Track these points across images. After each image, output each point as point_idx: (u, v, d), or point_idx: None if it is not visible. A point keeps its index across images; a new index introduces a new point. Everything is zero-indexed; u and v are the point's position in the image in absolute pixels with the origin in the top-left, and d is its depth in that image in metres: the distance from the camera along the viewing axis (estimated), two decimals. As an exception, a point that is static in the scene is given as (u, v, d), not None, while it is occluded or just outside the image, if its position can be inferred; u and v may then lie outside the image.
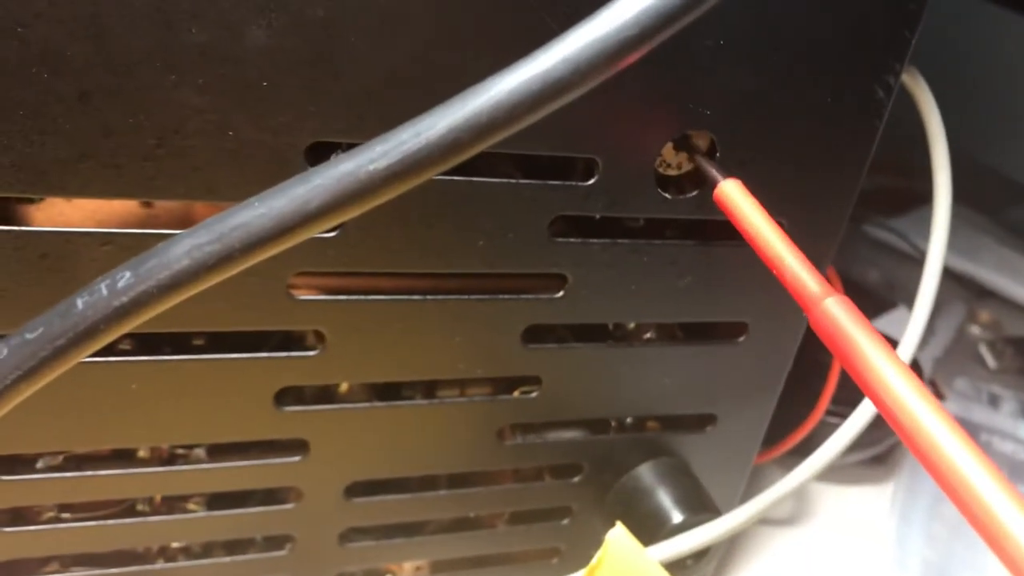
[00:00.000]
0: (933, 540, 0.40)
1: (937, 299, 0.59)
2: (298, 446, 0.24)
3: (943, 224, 0.30)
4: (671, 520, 0.28)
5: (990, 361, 0.54)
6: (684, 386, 0.28)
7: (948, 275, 0.62)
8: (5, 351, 0.13)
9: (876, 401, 0.17)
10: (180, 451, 0.24)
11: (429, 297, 0.23)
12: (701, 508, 0.28)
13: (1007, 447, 0.46)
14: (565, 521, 0.29)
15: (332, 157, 0.14)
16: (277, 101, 0.19)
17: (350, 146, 0.21)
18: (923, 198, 0.71)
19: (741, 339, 0.27)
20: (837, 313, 0.19)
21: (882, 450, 0.44)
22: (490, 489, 0.28)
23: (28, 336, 0.13)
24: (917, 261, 0.63)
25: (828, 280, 0.36)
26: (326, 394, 0.24)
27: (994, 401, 0.50)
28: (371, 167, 0.14)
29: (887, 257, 0.62)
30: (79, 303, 0.14)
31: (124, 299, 0.14)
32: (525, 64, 0.14)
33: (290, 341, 0.23)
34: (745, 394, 0.29)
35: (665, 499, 0.28)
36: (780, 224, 0.26)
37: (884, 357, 0.17)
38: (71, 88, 0.18)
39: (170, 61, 0.18)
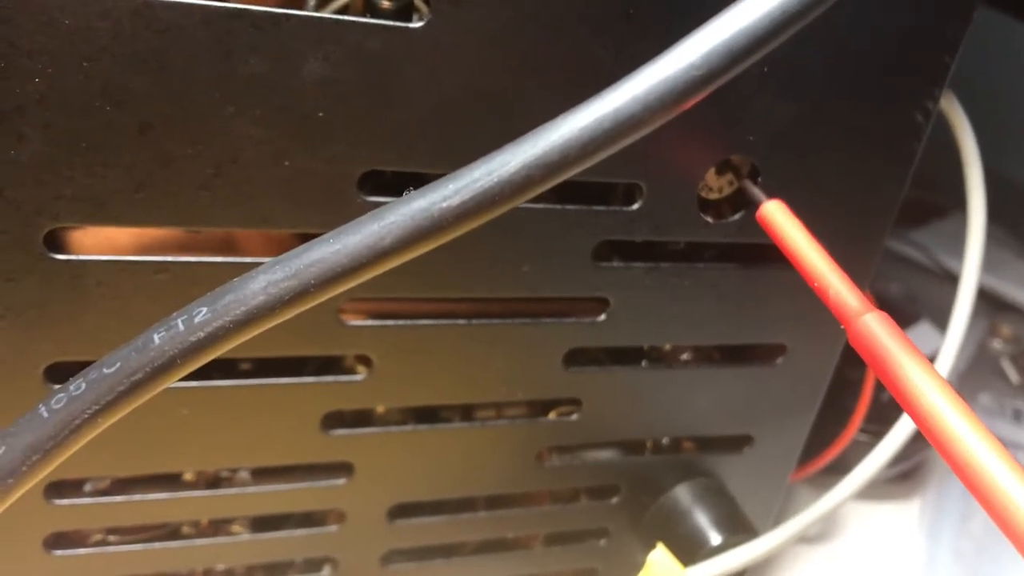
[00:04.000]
0: (961, 557, 0.40)
1: (949, 312, 0.59)
2: (343, 468, 0.24)
3: (977, 246, 0.30)
4: (709, 542, 0.28)
5: (1013, 376, 0.54)
6: (722, 407, 0.28)
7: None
8: (83, 386, 0.14)
9: (914, 416, 0.17)
10: (225, 474, 0.24)
11: (474, 321, 0.23)
12: (739, 529, 0.28)
13: (1033, 463, 0.46)
14: (602, 542, 0.29)
15: (404, 193, 0.14)
16: (332, 131, 0.20)
17: (402, 175, 0.21)
18: (943, 210, 0.71)
19: (779, 361, 0.27)
20: (876, 328, 0.19)
21: (909, 467, 0.44)
22: (528, 510, 0.28)
23: (106, 371, 0.14)
24: (938, 275, 0.63)
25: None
26: (370, 416, 0.24)
27: (1018, 416, 0.50)
28: (444, 204, 0.14)
29: (908, 271, 0.62)
30: (156, 338, 0.14)
31: (200, 334, 0.14)
32: (596, 102, 0.14)
33: (330, 364, 0.23)
34: (782, 415, 0.29)
35: (703, 520, 0.28)
36: (820, 241, 0.26)
37: (923, 372, 0.17)
38: (132, 120, 0.18)
39: (229, 92, 0.19)
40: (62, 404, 0.13)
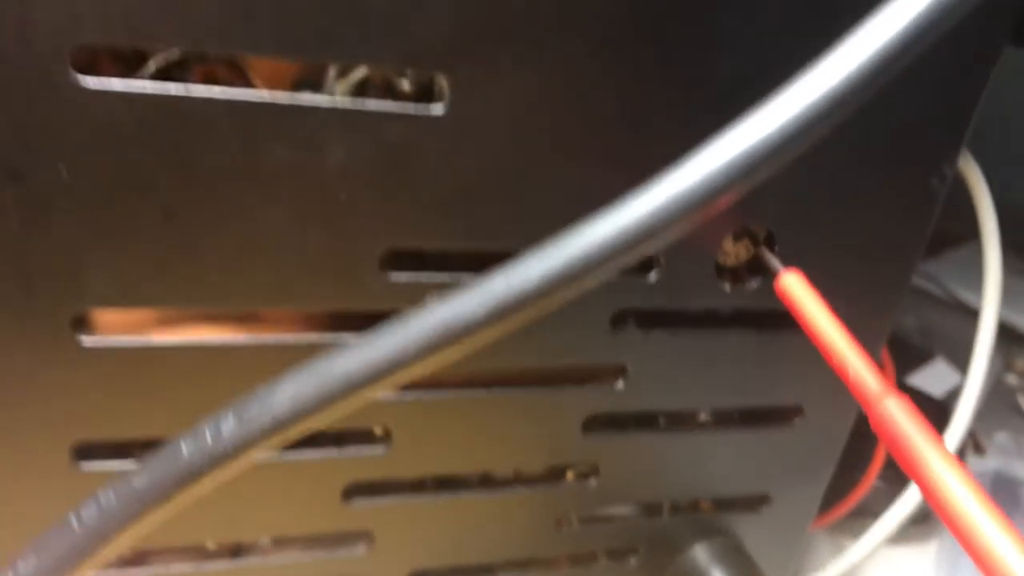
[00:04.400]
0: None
1: (967, 346, 0.59)
2: (364, 537, 0.25)
3: (993, 305, 0.30)
4: (727, 602, 0.28)
5: (1030, 412, 0.54)
6: (739, 468, 0.28)
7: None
8: (113, 500, 0.14)
9: (934, 504, 0.17)
10: (247, 543, 0.25)
11: (492, 390, 0.24)
12: (757, 589, 0.28)
13: (1050, 504, 0.46)
14: (621, 602, 0.30)
15: (425, 301, 0.14)
16: (354, 213, 0.20)
17: (422, 253, 0.21)
18: (958, 239, 0.71)
19: (796, 422, 0.27)
20: (897, 414, 0.19)
21: (927, 510, 0.44)
22: (547, 573, 0.28)
23: (136, 485, 0.14)
24: (953, 307, 0.63)
25: (881, 366, 0.36)
26: (391, 485, 0.24)
27: (1036, 455, 0.49)
28: (467, 314, 0.14)
29: (923, 303, 0.62)
30: (184, 450, 0.14)
31: (228, 446, 0.14)
32: (615, 212, 0.14)
33: (350, 434, 0.24)
34: (799, 474, 0.29)
35: (721, 580, 0.28)
36: (837, 308, 0.26)
37: (943, 463, 0.17)
38: (157, 207, 0.18)
39: (252, 179, 0.19)
40: (92, 518, 0.14)
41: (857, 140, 0.23)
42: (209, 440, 0.14)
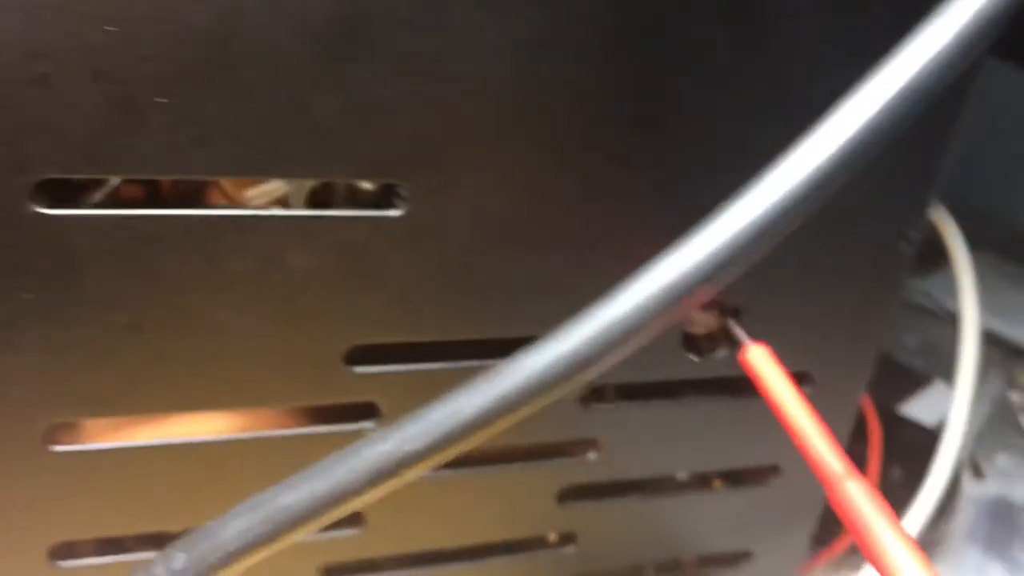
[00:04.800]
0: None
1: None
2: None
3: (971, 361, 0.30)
4: (711, 661, 0.28)
5: (1032, 432, 0.53)
6: (719, 526, 0.28)
7: (987, 339, 0.61)
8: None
9: None
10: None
11: (467, 470, 0.24)
12: (741, 647, 0.28)
13: (1051, 530, 0.46)
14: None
15: (366, 436, 0.15)
16: (318, 314, 0.20)
17: (388, 346, 0.22)
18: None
19: (773, 481, 0.28)
20: (857, 497, 0.19)
21: (924, 539, 0.44)
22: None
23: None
24: (954, 325, 0.63)
25: (864, 409, 0.36)
26: (368, 564, 0.25)
27: (1037, 477, 0.49)
28: (407, 448, 0.14)
29: (924, 321, 0.62)
30: (138, 586, 0.15)
31: (180, 581, 0.15)
32: (551, 343, 0.15)
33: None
34: (780, 530, 0.29)
35: (705, 638, 0.29)
36: (808, 375, 0.26)
37: (901, 548, 0.18)
38: (123, 322, 0.19)
39: (215, 290, 0.19)
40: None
41: (823, 212, 0.23)
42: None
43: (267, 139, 0.18)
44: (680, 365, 0.25)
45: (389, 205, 0.20)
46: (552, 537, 0.27)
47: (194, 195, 0.21)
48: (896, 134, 0.14)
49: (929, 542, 0.44)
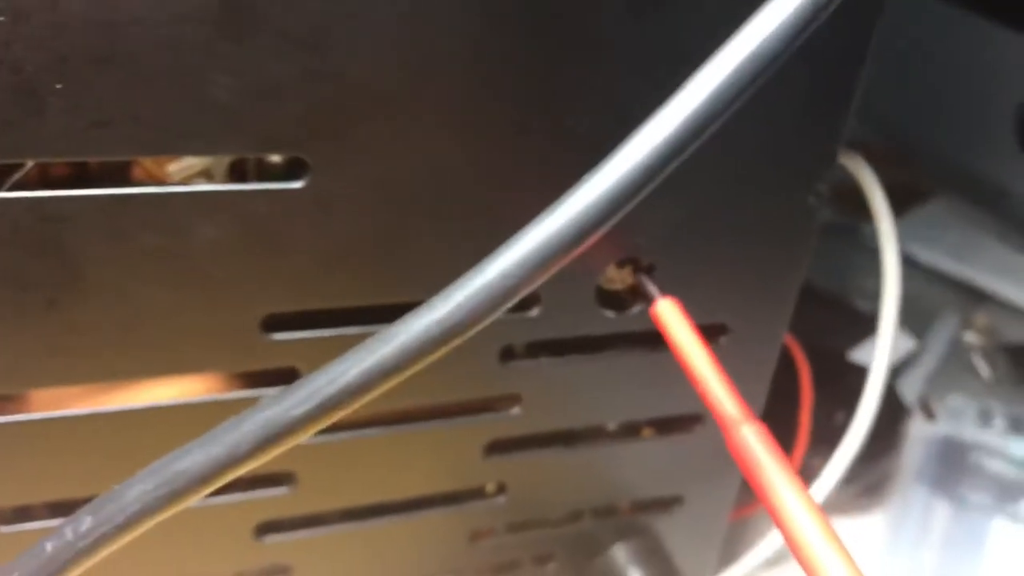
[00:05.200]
0: (920, 567, 0.42)
1: (930, 309, 0.60)
2: (282, 570, 0.26)
3: (893, 300, 0.31)
4: (642, 600, 0.29)
5: (984, 372, 0.55)
6: (650, 474, 0.30)
7: (943, 281, 0.62)
8: (-15, 596, 0.15)
9: (781, 529, 0.18)
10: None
11: (392, 428, 0.25)
12: (670, 586, 0.30)
13: (996, 466, 0.47)
14: (546, 604, 0.31)
15: (259, 401, 0.16)
16: (229, 285, 0.21)
17: (302, 314, 0.22)
18: (924, 195, 0.71)
19: (697, 429, 0.29)
20: (751, 441, 0.20)
21: (875, 479, 0.45)
22: (470, 583, 0.30)
23: (4, 582, 0.15)
24: (908, 268, 0.64)
25: (789, 346, 0.38)
26: (301, 520, 0.26)
27: (985, 417, 0.50)
28: (292, 412, 0.15)
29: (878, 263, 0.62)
30: (48, 547, 0.15)
31: (86, 541, 0.16)
32: (426, 311, 0.15)
33: (267, 477, 0.25)
34: (709, 475, 0.30)
35: (636, 579, 0.30)
36: (723, 325, 0.27)
37: (791, 490, 0.19)
38: (39, 299, 0.20)
39: (126, 265, 0.20)
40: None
41: (727, 171, 0.24)
42: (70, 537, 0.16)
43: (165, 119, 0.19)
44: (598, 321, 0.25)
45: (295, 177, 0.20)
46: (490, 488, 0.28)
47: (119, 172, 0.22)
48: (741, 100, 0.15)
49: (876, 482, 0.45)
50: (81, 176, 0.21)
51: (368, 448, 0.25)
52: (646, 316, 0.26)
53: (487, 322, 0.15)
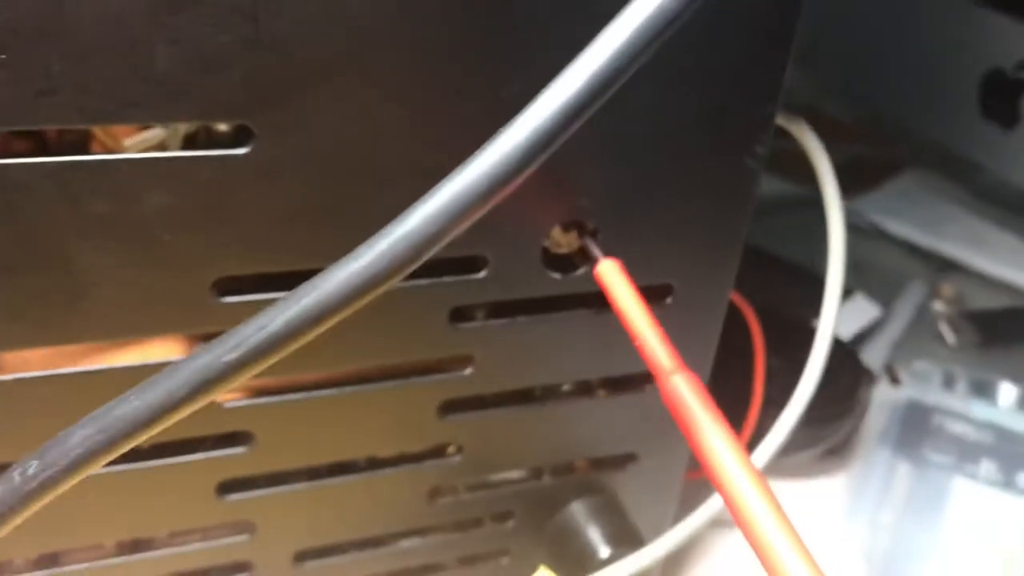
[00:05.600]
0: (880, 529, 0.43)
1: (897, 278, 0.61)
2: (245, 526, 0.27)
3: (838, 264, 0.32)
4: (598, 555, 0.30)
5: (949, 338, 0.56)
6: (602, 432, 0.31)
7: (911, 251, 0.63)
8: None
9: (710, 476, 0.19)
10: (143, 538, 0.27)
11: (347, 389, 0.26)
12: (627, 541, 0.31)
13: (958, 428, 0.48)
14: (505, 560, 0.32)
15: (193, 349, 0.17)
16: (179, 250, 0.22)
17: (253, 277, 0.23)
18: (895, 168, 0.72)
19: (648, 387, 0.30)
20: (682, 390, 0.21)
21: (836, 442, 0.46)
22: (428, 540, 0.30)
23: (-45, 523, 0.16)
24: (878, 240, 0.65)
25: (739, 306, 0.38)
26: (262, 478, 0.27)
27: (949, 381, 0.51)
28: (224, 359, 0.16)
29: (849, 237, 0.63)
30: (-3, 490, 0.16)
31: (34, 484, 0.16)
32: (349, 261, 0.16)
33: (226, 438, 0.26)
34: (662, 432, 0.31)
35: (594, 535, 0.31)
36: (668, 286, 0.28)
37: (720, 437, 0.20)
38: (-4, 264, 0.21)
39: (79, 231, 0.21)
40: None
41: (665, 134, 0.25)
42: (17, 480, 0.17)
43: (111, 88, 0.19)
44: (545, 283, 0.26)
45: (242, 144, 0.21)
46: (447, 447, 0.29)
47: (77, 147, 0.23)
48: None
49: (838, 446, 0.47)
50: (40, 151, 0.22)
51: (324, 408, 0.26)
52: (591, 281, 0.27)
53: (407, 271, 0.16)
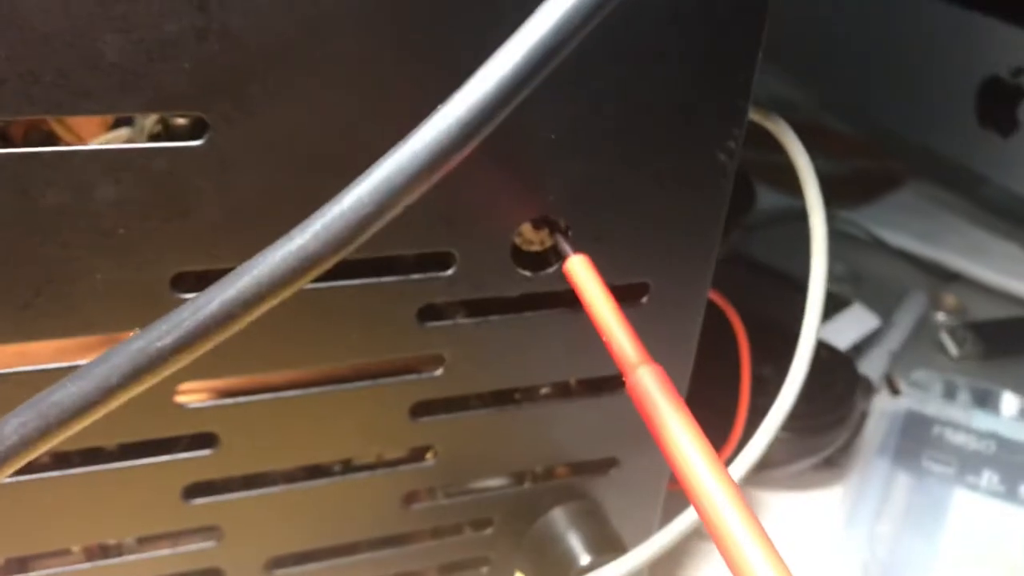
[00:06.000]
0: (877, 540, 0.42)
1: (898, 289, 0.60)
2: (212, 531, 0.27)
3: (820, 268, 0.32)
4: (578, 562, 0.30)
5: (951, 349, 0.55)
6: (580, 436, 0.30)
7: (912, 262, 0.63)
8: None
9: (672, 467, 0.19)
10: (112, 544, 0.27)
11: (315, 390, 0.26)
12: (607, 548, 0.30)
13: (959, 438, 0.47)
14: (485, 569, 0.32)
15: (130, 335, 0.16)
16: (135, 244, 0.22)
17: (215, 274, 0.23)
18: (897, 180, 0.72)
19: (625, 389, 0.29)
20: (647, 382, 0.21)
21: (834, 452, 0.46)
22: (406, 548, 0.30)
23: None
24: (879, 251, 0.64)
25: (720, 305, 0.38)
26: (230, 482, 0.27)
27: (950, 391, 0.50)
28: (159, 344, 0.16)
29: (850, 249, 0.63)
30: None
31: (-34, 473, 0.16)
32: (284, 242, 0.16)
33: (192, 440, 0.26)
34: (645, 436, 0.31)
35: (574, 542, 0.30)
36: (644, 284, 0.28)
37: (683, 428, 0.19)
38: (-52, 259, 0.21)
39: (32, 224, 0.21)
40: None
41: (634, 129, 0.25)
42: (-48, 470, 0.16)
43: (61, 78, 0.19)
44: (514, 281, 0.26)
45: (197, 138, 0.21)
46: (428, 454, 0.29)
47: (44, 144, 0.23)
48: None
49: (836, 457, 0.46)
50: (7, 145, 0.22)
51: (292, 410, 0.26)
52: (561, 279, 0.26)
53: (344, 253, 0.16)
